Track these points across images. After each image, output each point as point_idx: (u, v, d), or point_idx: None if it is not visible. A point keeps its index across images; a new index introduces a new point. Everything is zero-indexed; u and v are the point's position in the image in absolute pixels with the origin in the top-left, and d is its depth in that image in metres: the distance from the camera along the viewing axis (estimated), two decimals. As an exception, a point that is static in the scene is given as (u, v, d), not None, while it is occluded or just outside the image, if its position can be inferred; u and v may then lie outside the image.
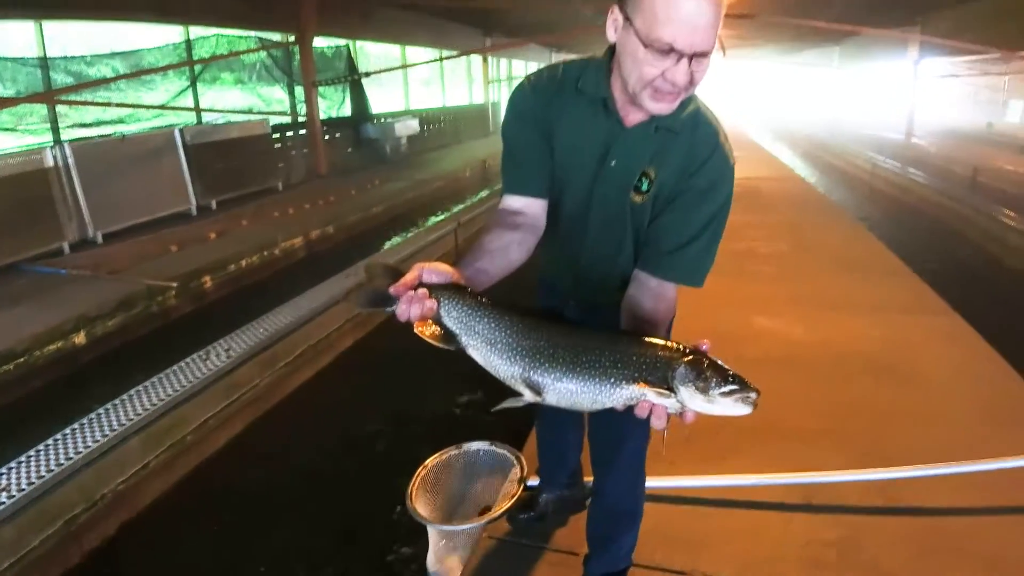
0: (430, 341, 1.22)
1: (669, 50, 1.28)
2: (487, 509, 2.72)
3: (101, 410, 3.80)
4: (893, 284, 5.24)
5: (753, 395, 1.15)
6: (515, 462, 2.76)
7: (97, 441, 3.53)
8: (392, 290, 1.21)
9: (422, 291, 1.21)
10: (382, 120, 13.59)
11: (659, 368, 1.16)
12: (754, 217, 7.55)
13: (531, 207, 1.60)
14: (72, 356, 5.11)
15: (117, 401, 3.89)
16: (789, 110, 31.53)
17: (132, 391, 3.98)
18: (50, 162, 6.97)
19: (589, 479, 2.64)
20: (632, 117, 1.50)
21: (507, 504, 2.57)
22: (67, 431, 3.60)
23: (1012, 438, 2.88)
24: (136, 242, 7.34)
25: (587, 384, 1.19)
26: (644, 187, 1.53)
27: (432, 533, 2.70)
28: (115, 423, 3.67)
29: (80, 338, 5.20)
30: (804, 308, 4.64)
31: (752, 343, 4.04)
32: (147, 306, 5.83)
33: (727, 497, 2.60)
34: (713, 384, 1.14)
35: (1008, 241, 7.99)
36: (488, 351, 1.23)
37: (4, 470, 3.27)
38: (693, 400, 1.15)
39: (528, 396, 1.23)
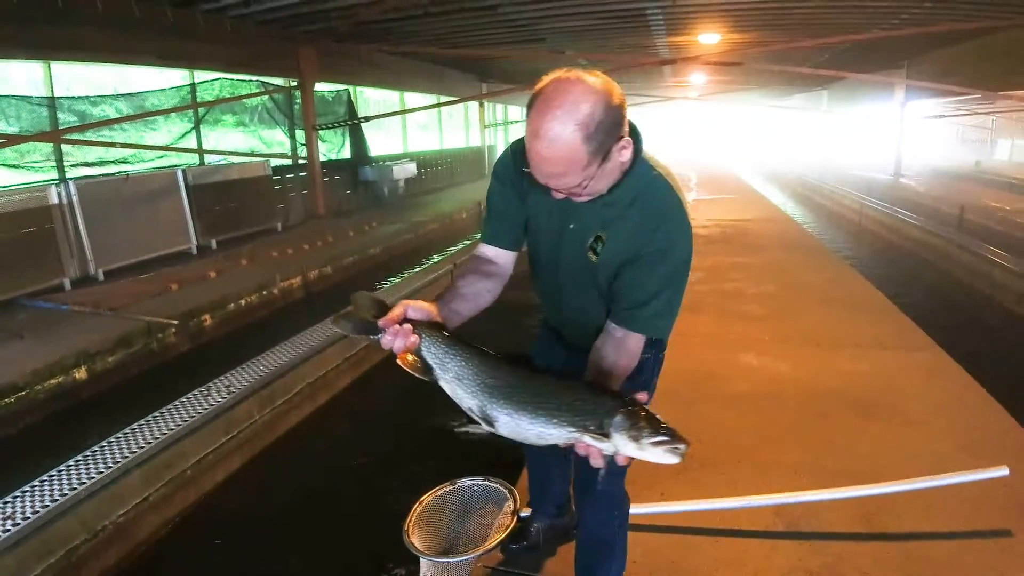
0: (409, 371, 1.40)
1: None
2: (481, 542, 2.82)
3: (104, 443, 3.87)
4: (878, 320, 5.36)
5: (682, 447, 1.27)
6: (508, 495, 2.85)
7: (100, 473, 3.60)
8: (380, 322, 1.40)
9: (407, 326, 1.40)
10: (380, 163, 13.83)
11: (598, 415, 1.31)
12: (743, 258, 7.73)
13: (502, 257, 1.82)
14: (72, 391, 5.18)
15: (120, 435, 3.97)
16: (779, 152, 32.01)
17: (134, 425, 4.06)
18: (54, 199, 7.13)
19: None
20: (581, 198, 1.65)
21: (500, 536, 2.66)
22: (70, 463, 3.67)
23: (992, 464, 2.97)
24: (137, 280, 7.45)
25: (534, 422, 1.36)
26: (598, 248, 1.70)
27: (425, 565, 2.78)
28: (117, 456, 3.74)
29: (80, 373, 5.28)
30: (790, 346, 4.76)
31: (738, 380, 4.15)
32: (147, 343, 5.92)
33: (712, 525, 2.68)
34: (645, 434, 1.27)
35: (994, 278, 8.14)
36: (456, 385, 1.41)
37: (9, 499, 3.33)
38: (626, 446, 1.29)
39: (484, 426, 1.41)
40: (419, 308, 1.46)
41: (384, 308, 1.44)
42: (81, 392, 5.26)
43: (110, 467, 3.64)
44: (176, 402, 4.35)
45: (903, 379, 4.14)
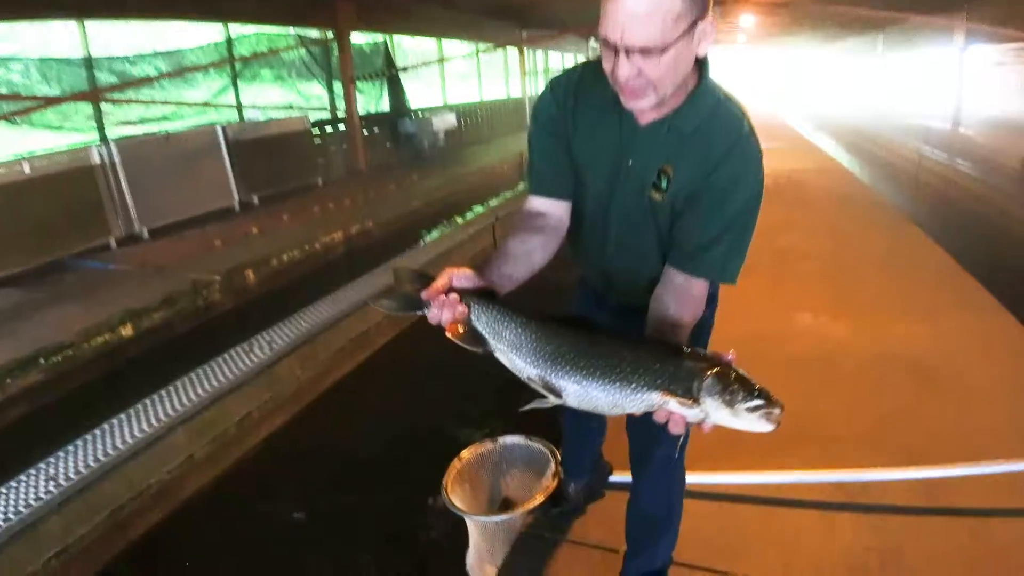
0: (460, 344, 1.28)
1: (607, 44, 1.32)
2: (522, 502, 2.75)
3: (147, 401, 3.90)
4: (941, 281, 5.06)
5: (776, 411, 1.14)
6: (550, 456, 2.77)
7: (143, 432, 3.63)
8: (424, 295, 1.28)
9: (453, 296, 1.27)
10: (420, 115, 13.66)
11: (684, 378, 1.17)
12: (796, 212, 7.37)
13: (554, 209, 1.63)
14: (119, 349, 5.24)
15: (163, 392, 4.00)
16: (831, 98, 30.78)
17: (177, 382, 4.09)
18: (96, 160, 7.17)
19: (622, 473, 2.65)
20: (646, 115, 1.48)
21: (544, 495, 2.59)
22: (113, 421, 3.71)
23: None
24: (181, 238, 7.52)
25: (607, 388, 1.21)
26: (663, 185, 1.51)
27: (471, 527, 2.73)
28: (161, 415, 3.77)
29: (127, 331, 5.33)
30: (847, 306, 4.52)
31: (793, 341, 3.96)
32: (192, 300, 5.95)
33: (766, 497, 2.56)
34: (740, 398, 1.14)
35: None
36: (513, 355, 1.28)
37: (52, 459, 3.38)
38: (718, 413, 1.16)
39: (550, 399, 1.27)
40: (465, 275, 1.32)
41: (427, 280, 1.31)
42: (128, 350, 5.31)
43: (153, 425, 3.67)
44: (219, 358, 4.37)
45: (967, 345, 3.90)
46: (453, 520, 2.55)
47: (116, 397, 4.06)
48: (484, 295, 1.32)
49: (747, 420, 1.14)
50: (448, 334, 1.28)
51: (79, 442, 3.54)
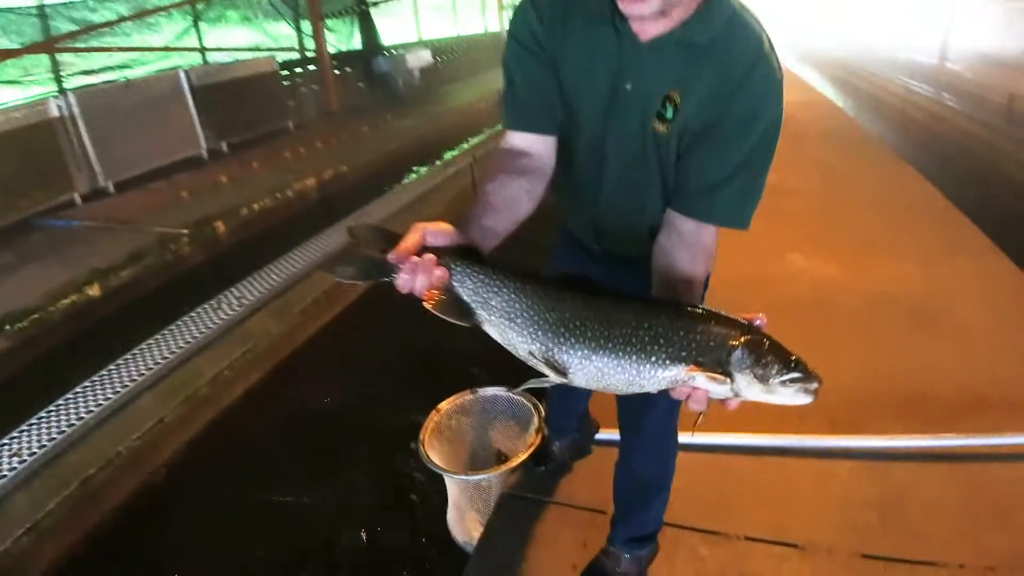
0: (441, 316, 1.05)
1: None
2: (504, 458, 2.63)
3: (112, 366, 3.74)
4: (933, 220, 4.93)
5: (815, 384, 1.00)
6: (532, 410, 2.64)
7: (109, 399, 3.48)
8: (391, 257, 1.03)
9: (428, 257, 1.03)
10: (393, 52, 13.14)
11: (713, 348, 0.99)
12: (782, 146, 7.12)
13: (537, 146, 1.38)
14: (87, 310, 5.03)
15: (128, 356, 3.83)
16: (816, 30, 30.08)
17: (143, 345, 3.92)
18: (55, 112, 6.80)
19: (610, 430, 2.53)
20: (649, 30, 1.24)
21: (526, 453, 2.47)
22: (78, 389, 3.55)
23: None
24: (147, 190, 7.22)
25: (622, 363, 1.02)
26: (668, 114, 1.28)
27: (449, 485, 2.61)
28: (126, 379, 3.61)
29: (94, 291, 5.11)
30: (839, 247, 4.39)
31: (785, 284, 3.84)
32: (160, 255, 5.71)
33: (760, 445, 2.45)
34: (774, 371, 0.98)
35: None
36: (506, 327, 1.07)
37: (15, 434, 3.23)
38: (750, 389, 1.00)
39: (553, 377, 1.07)
40: (440, 231, 1.09)
41: (393, 238, 1.07)
42: (96, 311, 5.10)
43: (118, 391, 3.51)
44: (185, 317, 4.19)
45: (962, 286, 3.79)
46: (434, 475, 2.42)
47: (85, 361, 3.90)
48: (466, 254, 1.09)
49: (783, 395, 1.00)
50: (427, 305, 1.05)
51: (43, 414, 3.39)
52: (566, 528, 2.27)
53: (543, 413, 2.51)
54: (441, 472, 2.44)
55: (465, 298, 1.06)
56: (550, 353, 1.05)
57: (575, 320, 1.04)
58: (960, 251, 4.30)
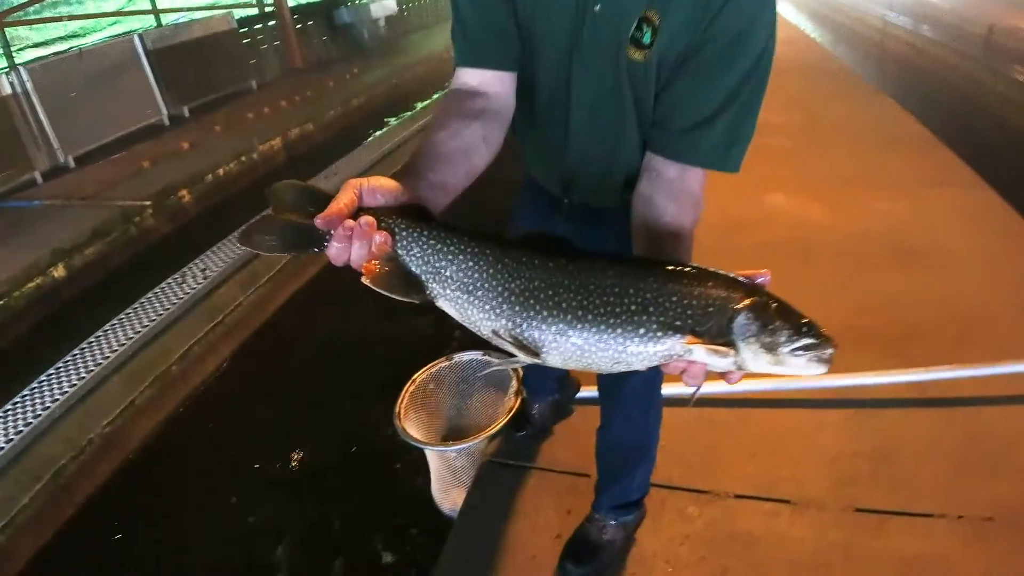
0: (387, 293, 0.85)
1: None
2: (483, 425, 2.54)
3: (76, 351, 3.60)
4: (917, 154, 4.80)
5: (829, 351, 0.84)
6: (511, 373, 2.54)
7: (75, 385, 3.35)
8: (319, 222, 0.82)
9: (365, 220, 0.83)
10: (356, 2, 12.67)
11: (712, 315, 0.83)
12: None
13: (494, 85, 1.18)
14: (53, 293, 4.86)
15: (92, 339, 3.69)
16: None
17: (107, 327, 3.77)
18: (7, 89, 6.50)
19: (591, 388, 2.43)
20: None
21: (505, 418, 2.37)
22: (42, 378, 3.42)
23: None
24: (109, 162, 6.97)
25: (605, 338, 0.84)
26: (645, 38, 1.09)
27: (429, 456, 2.53)
28: (91, 364, 3.48)
29: (59, 272, 4.93)
30: (822, 184, 4.27)
31: (764, 226, 3.72)
32: (124, 230, 5.52)
33: (746, 399, 2.34)
34: (784, 338, 0.83)
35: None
36: (464, 301, 0.89)
37: (-20, 429, 3.11)
38: (757, 360, 0.84)
39: (522, 357, 0.89)
40: (379, 188, 0.88)
41: (323, 199, 0.86)
42: (63, 292, 4.94)
43: (83, 377, 3.38)
44: (149, 294, 4.03)
45: (947, 220, 3.69)
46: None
47: (54, 347, 3.75)
48: (413, 215, 0.89)
49: (794, 365, 0.84)
50: (366, 279, 0.85)
51: (8, 406, 3.27)
52: (549, 494, 2.18)
53: (521, 375, 2.41)
54: (419, 445, 2.35)
55: (413, 269, 0.87)
56: (518, 330, 0.87)
57: (546, 289, 0.86)
58: (945, 183, 4.19)
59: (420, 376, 2.58)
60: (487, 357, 2.57)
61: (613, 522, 1.93)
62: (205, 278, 4.13)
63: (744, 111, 1.10)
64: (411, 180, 0.94)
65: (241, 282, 4.30)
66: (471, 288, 0.87)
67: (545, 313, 0.85)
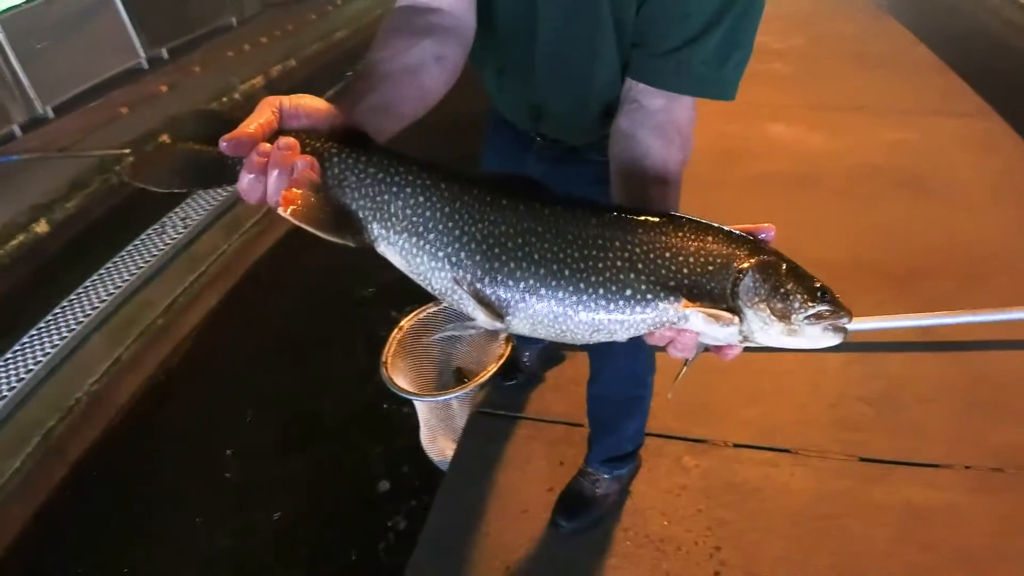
0: (309, 228, 0.66)
1: None
2: (473, 373, 2.46)
3: (58, 310, 3.50)
4: (925, 81, 4.57)
5: (845, 319, 0.73)
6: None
7: (56, 346, 3.26)
8: (226, 145, 0.65)
9: (285, 142, 0.66)
10: (336, -73, 12.09)
11: (713, 275, 0.70)
12: (762, 3, 6.60)
13: (450, 1, 0.98)
14: (36, 249, 4.72)
15: (73, 296, 3.59)
16: None
17: (87, 283, 3.67)
18: (-23, 43, 6.25)
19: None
20: None
21: (495, 366, 2.29)
22: (24, 339, 3.33)
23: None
24: (87, 110, 6.73)
25: (585, 299, 0.69)
26: None
27: (418, 405, 2.45)
28: (73, 322, 3.38)
29: (41, 227, 4.78)
30: (824, 112, 4.07)
31: (766, 158, 3.55)
32: (104, 179, 5.34)
33: (745, 349, 2.24)
34: (798, 304, 0.71)
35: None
36: (412, 246, 0.70)
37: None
38: (766, 330, 0.71)
39: (482, 320, 0.72)
40: (304, 109, 0.70)
41: (230, 124, 0.68)
42: (47, 248, 4.80)
43: (65, 337, 3.29)
44: (130, 247, 3.91)
45: (956, 151, 3.52)
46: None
47: (38, 306, 3.65)
48: (348, 138, 0.71)
49: (807, 336, 0.72)
50: (282, 209, 0.65)
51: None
52: (540, 445, 2.11)
53: (511, 322, 2.31)
54: (406, 396, 2.28)
55: (347, 203, 0.69)
56: (479, 286, 0.69)
57: (515, 236, 0.70)
58: (954, 113, 4.00)
59: (407, 323, 2.49)
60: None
61: (606, 475, 1.86)
62: (186, 227, 4.00)
63: (740, 25, 0.94)
64: (347, 103, 0.76)
65: (224, 229, 4.17)
66: (421, 230, 0.70)
67: (513, 265, 0.69)
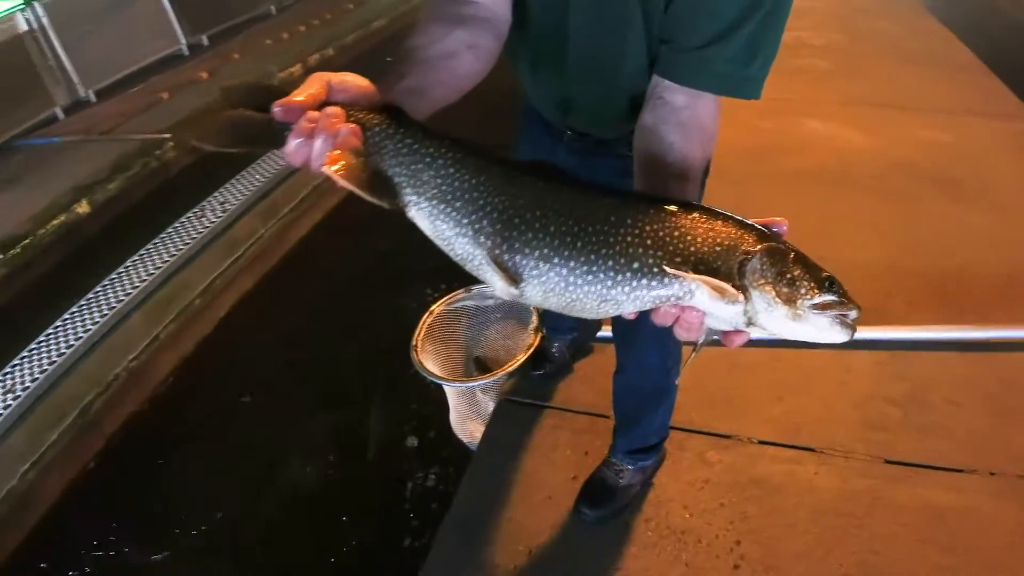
0: (352, 187, 0.72)
1: None
2: (502, 360, 2.50)
3: (98, 288, 3.61)
4: (963, 80, 4.50)
5: (854, 313, 0.75)
6: (531, 309, 2.48)
7: (97, 323, 3.36)
8: (279, 110, 0.72)
9: (332, 110, 0.73)
10: (376, -83, 12.14)
11: (720, 255, 0.72)
12: (799, 1, 6.50)
13: None
14: (76, 229, 4.84)
15: (114, 275, 3.69)
16: None
17: (128, 263, 3.77)
18: (24, 26, 6.36)
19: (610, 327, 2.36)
20: None
21: (524, 355, 2.33)
22: (66, 316, 3.44)
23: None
24: (129, 95, 6.86)
25: (594, 269, 0.74)
26: None
27: (447, 390, 2.50)
28: (113, 301, 3.48)
29: (82, 208, 4.90)
30: (861, 109, 4.03)
31: (800, 153, 3.52)
32: (145, 163, 5.46)
33: (773, 346, 2.24)
34: (804, 290, 0.72)
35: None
36: (439, 212, 0.77)
37: (8, 370, 3.14)
38: (771, 313, 0.73)
39: (498, 286, 0.77)
40: (350, 84, 0.78)
41: (279, 95, 0.75)
42: (86, 229, 4.92)
43: (106, 314, 3.39)
44: (169, 229, 4.01)
45: (994, 152, 3.46)
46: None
47: (79, 284, 3.77)
48: (389, 112, 0.78)
49: (813, 325, 0.73)
50: (328, 167, 0.71)
51: (33, 346, 3.30)
52: (566, 435, 2.15)
53: (541, 312, 2.35)
54: (435, 380, 2.33)
55: (385, 170, 0.76)
56: (498, 253, 0.76)
57: (533, 209, 0.76)
58: (991, 114, 3.95)
59: (438, 308, 2.54)
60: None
61: (631, 466, 1.89)
62: (224, 211, 4.09)
63: (767, 25, 0.95)
64: (387, 82, 0.85)
65: (261, 214, 4.26)
66: (448, 198, 0.77)
67: (530, 235, 0.75)
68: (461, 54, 0.95)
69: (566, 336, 2.36)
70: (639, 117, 1.02)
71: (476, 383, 2.33)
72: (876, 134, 3.70)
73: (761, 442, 1.96)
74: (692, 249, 0.73)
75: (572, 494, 1.93)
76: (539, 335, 2.33)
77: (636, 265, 0.73)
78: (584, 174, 0.81)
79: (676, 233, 0.74)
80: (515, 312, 2.57)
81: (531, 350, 2.30)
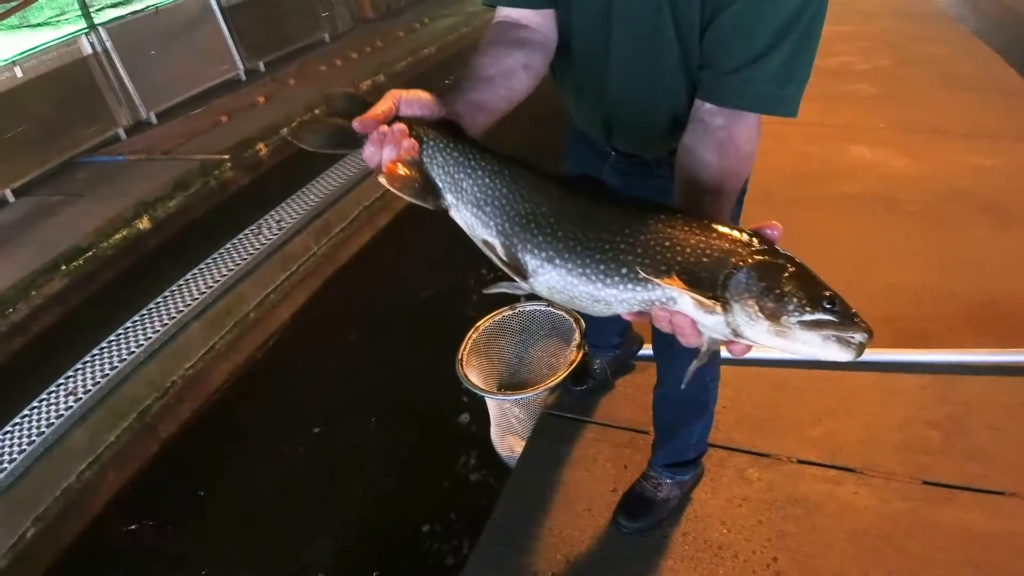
0: (402, 194, 0.90)
1: None
2: (544, 376, 2.56)
3: (160, 299, 3.78)
4: (1012, 106, 4.43)
5: (858, 336, 0.75)
6: (574, 325, 2.54)
7: (157, 331, 3.52)
8: (357, 125, 0.90)
9: (398, 127, 0.90)
10: (426, -51, 12.48)
11: (706, 266, 0.77)
12: (850, 26, 6.51)
13: (535, 19, 1.19)
14: (137, 243, 5.06)
15: (175, 287, 3.86)
16: None
17: (188, 276, 3.94)
18: (88, 50, 6.69)
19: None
20: None
21: (566, 371, 2.39)
22: (127, 324, 3.60)
23: None
24: (189, 117, 7.15)
25: (587, 272, 0.84)
26: None
27: (489, 404, 2.57)
28: (173, 311, 3.64)
29: (143, 224, 5.12)
30: (908, 135, 4.01)
31: (846, 178, 3.52)
32: (204, 182, 5.69)
33: (816, 368, 2.26)
34: (792, 307, 0.74)
35: None
36: (472, 214, 0.92)
37: (70, 373, 3.30)
38: (753, 326, 0.76)
39: (518, 280, 0.91)
40: (417, 100, 0.94)
41: (364, 106, 0.93)
42: (147, 243, 5.14)
43: (166, 323, 3.55)
44: (228, 245, 4.18)
45: None
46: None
47: (140, 295, 3.95)
48: (444, 128, 0.94)
49: (803, 341, 0.75)
50: (385, 179, 0.90)
51: (95, 351, 3.47)
52: (606, 449, 2.19)
53: (583, 327, 2.41)
54: (479, 392, 2.40)
55: (433, 176, 0.92)
56: (512, 247, 0.89)
57: (550, 216, 0.87)
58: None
59: (483, 324, 2.62)
60: (551, 308, 2.60)
61: (669, 480, 1.93)
62: (280, 229, 4.25)
63: (802, 44, 1.01)
64: (451, 97, 1.01)
65: (314, 232, 4.41)
66: (482, 203, 0.91)
67: (541, 239, 0.87)
68: (518, 73, 1.11)
69: (608, 353, 2.41)
70: (681, 138, 1.09)
71: (518, 396, 2.39)
72: (923, 159, 3.68)
73: (801, 461, 1.98)
74: (679, 259, 0.79)
75: (611, 506, 1.98)
76: (581, 352, 2.39)
77: (624, 270, 0.82)
78: (628, 194, 0.91)
79: (667, 243, 0.80)
80: (558, 329, 2.64)
81: (573, 366, 2.35)
